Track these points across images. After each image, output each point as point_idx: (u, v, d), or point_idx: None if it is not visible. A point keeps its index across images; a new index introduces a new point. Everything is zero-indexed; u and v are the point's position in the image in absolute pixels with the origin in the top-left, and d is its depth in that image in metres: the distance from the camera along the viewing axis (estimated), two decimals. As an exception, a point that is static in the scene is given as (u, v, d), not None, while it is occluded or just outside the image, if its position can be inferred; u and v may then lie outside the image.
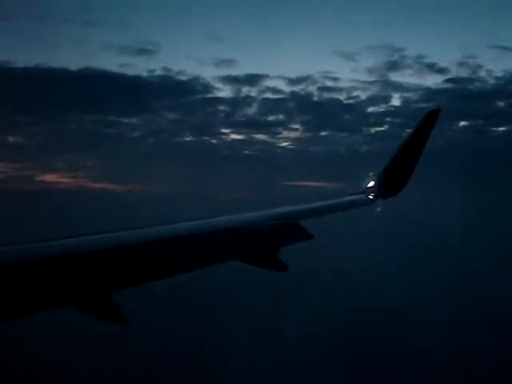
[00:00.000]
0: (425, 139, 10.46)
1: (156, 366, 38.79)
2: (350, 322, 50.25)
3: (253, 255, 6.49)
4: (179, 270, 5.30)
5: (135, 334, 36.22)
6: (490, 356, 42.38)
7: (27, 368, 36.78)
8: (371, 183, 11.34)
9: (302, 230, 7.52)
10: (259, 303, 53.46)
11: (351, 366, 40.50)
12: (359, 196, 10.78)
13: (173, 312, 49.22)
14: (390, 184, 11.00)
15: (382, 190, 10.96)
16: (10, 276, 4.09)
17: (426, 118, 10.41)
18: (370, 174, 11.57)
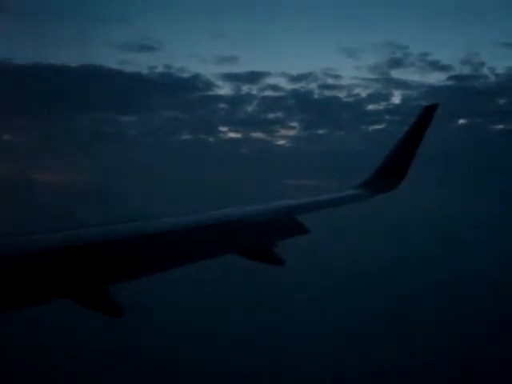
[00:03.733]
0: (422, 134, 10.48)
1: (152, 359, 38.84)
2: (348, 319, 50.40)
3: (249, 249, 6.49)
4: (175, 263, 5.30)
5: (132, 327, 36.23)
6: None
7: (23, 361, 36.76)
8: (369, 177, 11.31)
9: (298, 224, 7.54)
10: (254, 298, 53.56)
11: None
12: (357, 190, 10.73)
13: (169, 305, 49.25)
14: (387, 178, 10.99)
15: (380, 185, 10.95)
16: (6, 268, 4.08)
17: (424, 114, 10.42)
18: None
